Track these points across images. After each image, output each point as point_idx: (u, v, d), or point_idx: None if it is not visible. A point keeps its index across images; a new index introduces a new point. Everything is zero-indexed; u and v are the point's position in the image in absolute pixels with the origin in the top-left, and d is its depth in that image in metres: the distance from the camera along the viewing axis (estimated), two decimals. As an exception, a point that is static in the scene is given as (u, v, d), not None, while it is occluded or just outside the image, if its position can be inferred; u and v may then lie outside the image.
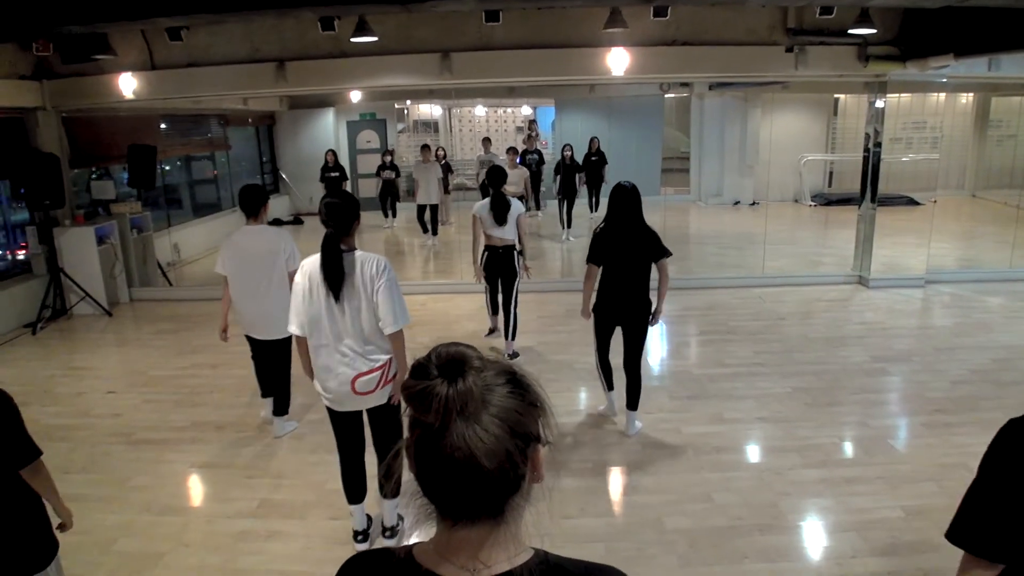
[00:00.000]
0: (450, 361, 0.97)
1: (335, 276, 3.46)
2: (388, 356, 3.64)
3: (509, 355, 6.56)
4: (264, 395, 5.47)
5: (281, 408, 5.28)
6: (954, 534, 1.54)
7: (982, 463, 1.55)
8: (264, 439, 5.20)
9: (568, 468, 4.60)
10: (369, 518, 3.98)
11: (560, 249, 11.67)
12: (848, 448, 4.96)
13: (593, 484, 4.54)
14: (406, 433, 1.00)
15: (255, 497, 4.39)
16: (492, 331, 7.17)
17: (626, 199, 4.81)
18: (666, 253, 4.90)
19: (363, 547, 3.87)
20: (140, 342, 7.63)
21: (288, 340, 4.78)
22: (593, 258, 4.94)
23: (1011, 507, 1.46)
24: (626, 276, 4.91)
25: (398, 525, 3.96)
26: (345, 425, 3.82)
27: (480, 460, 0.93)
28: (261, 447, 5.07)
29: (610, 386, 5.33)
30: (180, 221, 11.86)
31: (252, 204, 4.94)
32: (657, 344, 7.41)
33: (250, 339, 5.24)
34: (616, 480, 4.65)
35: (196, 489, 4.72)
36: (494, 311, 7.02)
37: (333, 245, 3.45)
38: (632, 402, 5.10)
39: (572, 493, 4.28)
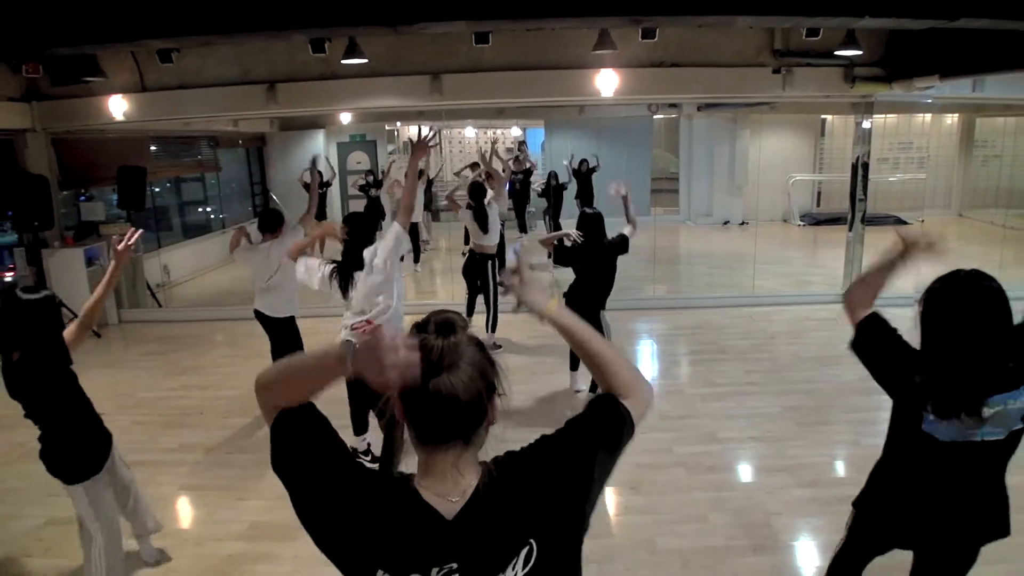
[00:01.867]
0: (443, 323, 1.33)
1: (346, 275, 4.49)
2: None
3: (490, 346, 7.04)
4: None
5: None
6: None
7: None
8: (254, 460, 5.16)
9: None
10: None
11: (548, 271, 11.64)
12: (840, 467, 4.96)
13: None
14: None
15: (245, 519, 4.35)
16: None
17: (595, 224, 5.54)
18: (624, 240, 5.62)
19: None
20: (129, 364, 7.58)
21: (292, 318, 5.81)
22: (558, 261, 5.68)
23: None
24: (594, 281, 5.59)
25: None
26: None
27: (460, 394, 1.27)
28: (251, 469, 5.02)
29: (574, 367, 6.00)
30: (170, 242, 11.81)
31: (270, 223, 5.72)
32: (648, 364, 7.42)
33: (263, 319, 5.86)
34: (608, 500, 4.63)
35: (185, 511, 4.67)
36: (468, 314, 7.50)
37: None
38: (576, 364, 5.87)
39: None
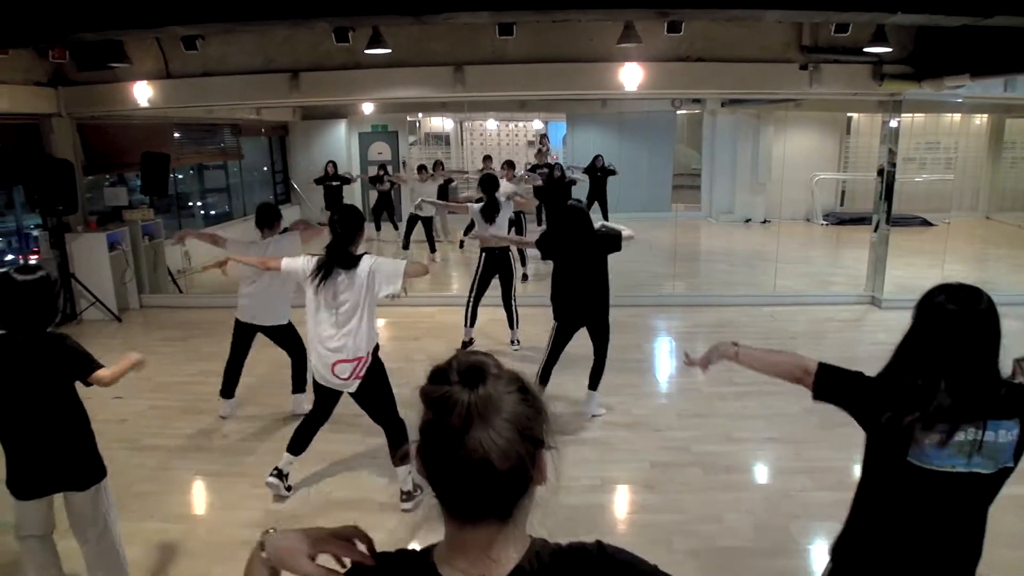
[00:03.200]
0: (470, 369, 1.03)
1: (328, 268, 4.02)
2: (366, 353, 4.13)
3: (512, 342, 7.28)
4: (225, 395, 5.77)
5: (300, 385, 5.73)
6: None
7: None
8: (270, 448, 5.17)
9: (576, 486, 4.54)
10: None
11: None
12: (859, 470, 4.89)
13: (601, 502, 4.49)
14: (416, 436, 1.06)
15: (260, 507, 4.35)
16: (468, 344, 7.15)
17: (581, 218, 5.25)
18: (617, 236, 5.33)
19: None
20: (148, 348, 7.62)
21: (290, 323, 5.57)
22: (546, 253, 5.46)
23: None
24: (584, 278, 5.25)
25: (415, 492, 4.21)
26: (323, 397, 4.30)
27: (495, 461, 0.98)
28: (267, 456, 5.03)
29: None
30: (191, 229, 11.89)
31: (267, 219, 5.48)
32: (666, 361, 7.37)
33: (249, 329, 5.60)
34: (624, 498, 4.60)
35: (201, 497, 4.69)
36: (472, 323, 7.20)
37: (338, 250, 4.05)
38: (594, 382, 5.52)
39: (580, 511, 4.23)
